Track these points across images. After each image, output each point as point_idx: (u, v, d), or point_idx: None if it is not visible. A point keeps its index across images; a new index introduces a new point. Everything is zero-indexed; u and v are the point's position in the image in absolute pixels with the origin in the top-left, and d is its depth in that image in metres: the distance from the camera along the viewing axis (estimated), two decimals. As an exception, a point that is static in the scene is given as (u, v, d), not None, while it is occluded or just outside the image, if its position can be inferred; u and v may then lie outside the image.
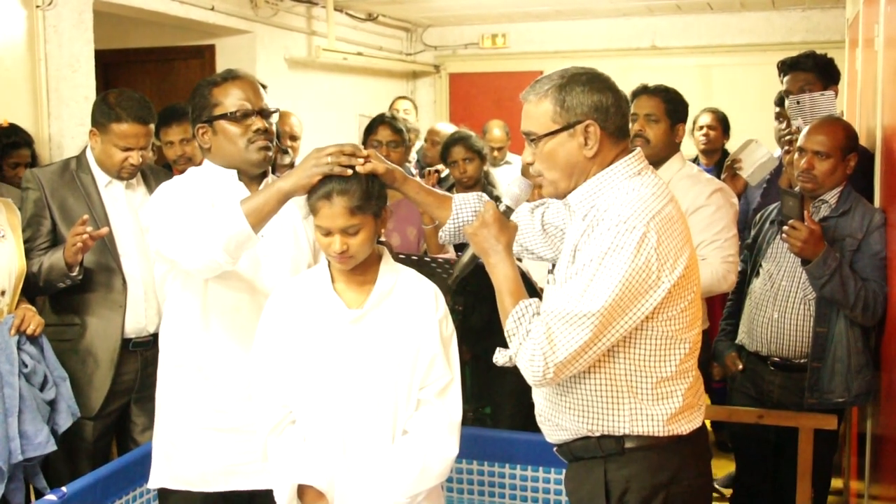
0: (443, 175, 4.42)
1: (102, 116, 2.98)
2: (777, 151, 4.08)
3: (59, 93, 4.14)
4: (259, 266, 2.34)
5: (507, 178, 3.94)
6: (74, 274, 2.89)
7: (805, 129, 3.04)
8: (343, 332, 2.06)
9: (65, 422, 2.82)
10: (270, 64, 5.92)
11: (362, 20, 7.02)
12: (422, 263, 3.13)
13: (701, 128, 5.04)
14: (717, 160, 4.93)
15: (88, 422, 3.02)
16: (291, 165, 3.89)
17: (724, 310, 3.39)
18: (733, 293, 3.28)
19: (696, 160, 4.91)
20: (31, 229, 2.98)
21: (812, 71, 3.59)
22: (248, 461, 2.30)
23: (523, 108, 1.98)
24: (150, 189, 3.08)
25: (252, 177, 2.37)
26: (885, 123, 3.07)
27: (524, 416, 2.96)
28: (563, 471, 2.18)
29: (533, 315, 1.87)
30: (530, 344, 1.84)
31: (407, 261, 2.88)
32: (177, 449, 2.37)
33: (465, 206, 2.26)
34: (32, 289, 2.94)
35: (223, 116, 2.30)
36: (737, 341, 3.21)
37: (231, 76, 2.35)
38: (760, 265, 3.12)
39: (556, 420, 2.02)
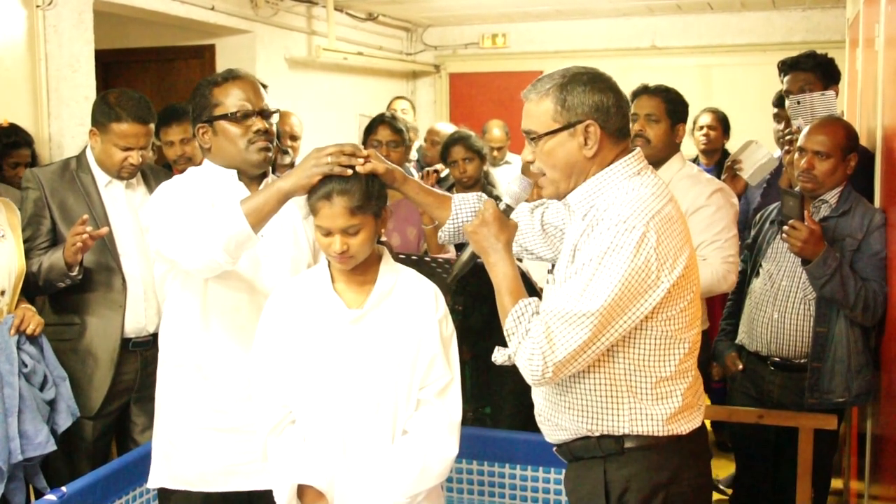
0: (442, 175, 4.42)
1: (102, 116, 2.98)
2: (777, 152, 4.08)
3: (59, 93, 4.14)
4: (259, 266, 2.34)
5: (506, 177, 3.94)
6: (74, 274, 2.89)
7: (805, 129, 3.04)
8: (343, 332, 2.06)
9: (64, 422, 2.82)
10: (270, 64, 5.92)
11: (362, 20, 7.02)
12: (421, 263, 3.13)
13: (701, 128, 5.04)
14: (718, 160, 4.93)
15: (88, 421, 3.02)
16: (292, 165, 3.89)
17: (724, 310, 3.39)
18: (733, 293, 3.28)
19: (696, 160, 4.91)
20: (31, 229, 2.98)
21: (812, 71, 3.59)
22: (248, 461, 2.30)
23: (524, 107, 1.98)
24: (150, 189, 3.08)
25: (252, 177, 2.37)
26: (885, 123, 3.07)
27: (524, 416, 2.96)
28: (563, 471, 2.17)
29: (532, 314, 1.87)
30: (529, 343, 1.84)
31: (407, 261, 2.88)
32: (176, 449, 2.37)
33: (464, 206, 2.26)
34: (32, 288, 2.94)
35: (223, 117, 2.30)
36: (737, 341, 3.21)
37: (232, 76, 2.34)
38: (760, 265, 3.12)
39: (556, 420, 2.02)
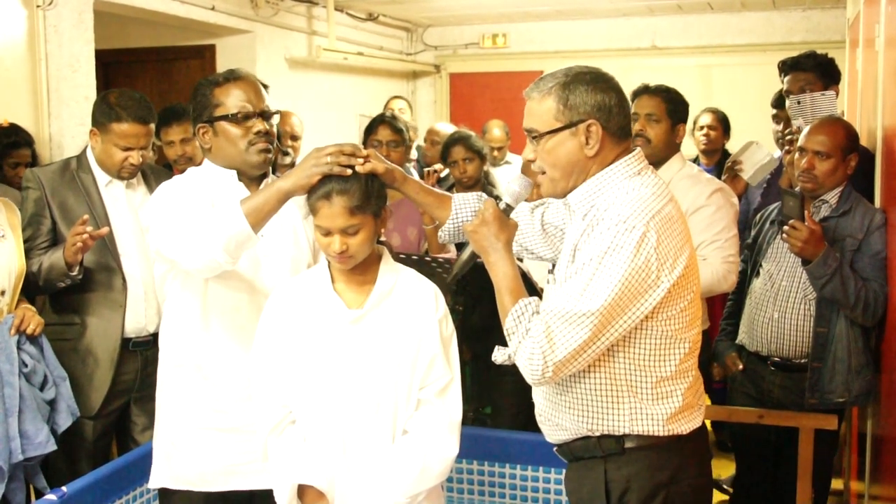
0: (442, 175, 4.42)
1: (103, 116, 2.98)
2: (777, 153, 4.08)
3: (60, 92, 4.14)
4: (259, 266, 2.34)
5: (507, 177, 3.94)
6: (74, 273, 2.89)
7: (805, 130, 3.04)
8: (343, 332, 2.06)
9: (65, 421, 2.82)
10: (271, 64, 5.92)
11: (363, 20, 7.02)
12: (422, 263, 3.13)
13: (701, 128, 5.04)
14: (718, 160, 4.93)
15: (88, 421, 3.02)
16: (292, 165, 3.89)
17: (724, 310, 3.38)
18: (733, 293, 3.28)
19: (696, 160, 4.91)
20: (31, 229, 2.98)
21: (813, 71, 3.58)
22: (248, 461, 2.30)
23: (526, 105, 1.97)
24: (151, 189, 3.08)
25: (252, 177, 2.37)
26: (885, 123, 3.07)
27: (524, 416, 2.97)
28: (563, 471, 2.17)
29: (532, 314, 1.87)
30: (529, 342, 1.84)
31: (407, 260, 2.88)
32: (177, 449, 2.37)
33: (464, 206, 2.25)
34: (32, 288, 2.94)
35: (224, 117, 2.30)
36: (737, 341, 3.21)
37: (233, 76, 2.34)
38: (761, 265, 3.12)
39: (556, 420, 2.02)
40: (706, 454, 2.09)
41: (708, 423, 2.43)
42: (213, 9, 5.29)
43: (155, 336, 2.73)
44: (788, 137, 3.43)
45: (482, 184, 4.04)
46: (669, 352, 1.91)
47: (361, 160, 2.04)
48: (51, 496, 2.38)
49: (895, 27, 2.86)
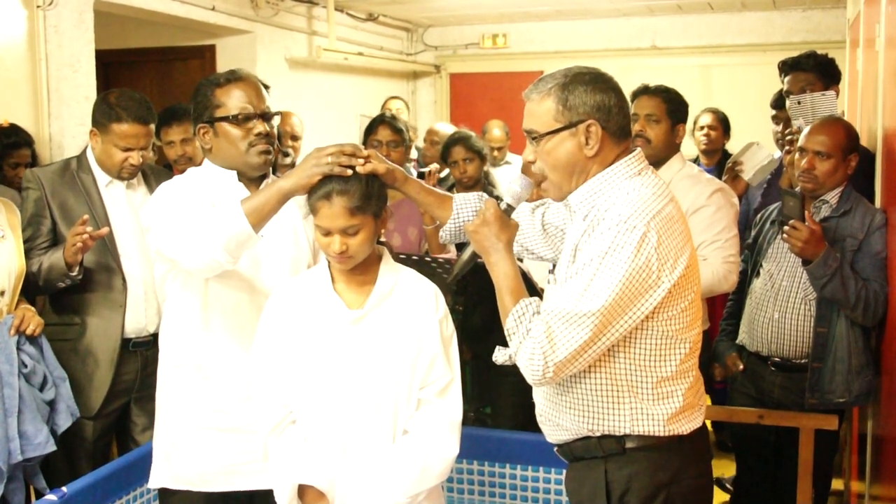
0: (442, 175, 4.42)
1: (103, 116, 2.98)
2: (777, 153, 4.08)
3: (60, 93, 4.14)
4: (259, 266, 2.33)
5: (507, 178, 3.94)
6: (74, 274, 2.89)
7: (806, 130, 3.04)
8: (343, 332, 2.06)
9: (64, 422, 2.82)
10: (271, 64, 5.92)
11: (363, 20, 7.02)
12: (422, 263, 3.13)
13: (702, 128, 5.04)
14: (718, 160, 4.93)
15: (88, 422, 3.02)
16: (292, 166, 3.89)
17: (724, 310, 3.38)
18: (734, 293, 3.28)
19: (696, 160, 4.91)
20: (32, 229, 2.97)
21: (813, 71, 3.58)
22: (248, 461, 2.30)
23: (526, 106, 1.97)
24: (151, 189, 3.08)
25: (252, 178, 2.37)
26: (885, 124, 3.06)
27: (524, 416, 2.96)
28: (564, 471, 2.17)
29: (533, 314, 1.87)
30: (530, 343, 1.84)
31: (407, 261, 2.88)
32: (177, 449, 2.37)
33: (465, 206, 2.25)
34: (32, 288, 2.94)
35: (225, 118, 2.30)
36: (737, 341, 3.20)
37: (234, 77, 2.34)
38: (761, 265, 3.12)
39: (557, 420, 2.01)
40: (707, 454, 2.09)
41: (708, 423, 2.43)
42: (213, 9, 5.29)
43: (155, 336, 2.73)
44: (789, 138, 3.44)
45: (482, 184, 4.04)
46: (670, 352, 1.91)
47: (362, 160, 2.04)
48: (51, 496, 2.38)
49: (895, 27, 2.86)
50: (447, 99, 8.13)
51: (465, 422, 2.14)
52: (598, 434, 1.95)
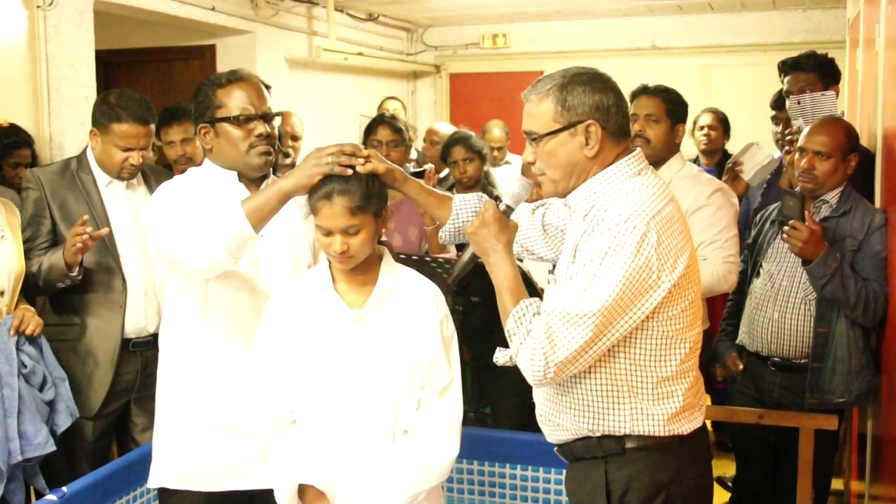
0: (442, 175, 4.42)
1: (103, 116, 2.98)
2: (777, 153, 4.08)
3: (60, 93, 4.14)
4: (259, 266, 2.33)
5: (507, 178, 3.95)
6: (74, 274, 2.89)
7: (806, 130, 3.04)
8: (344, 332, 2.06)
9: (64, 422, 2.82)
10: (271, 64, 5.92)
11: (363, 20, 7.02)
12: (422, 263, 3.13)
13: (702, 128, 5.04)
14: (718, 160, 4.93)
15: (88, 422, 3.02)
16: (293, 166, 3.89)
17: (724, 310, 3.38)
18: (734, 293, 3.28)
19: (696, 160, 4.91)
20: (31, 229, 2.97)
21: (813, 71, 3.59)
22: (248, 461, 2.30)
23: (525, 108, 1.97)
24: (151, 189, 3.08)
25: (252, 178, 2.37)
26: (885, 124, 3.06)
27: (524, 416, 2.96)
28: (563, 471, 2.17)
29: (533, 315, 1.87)
30: (531, 343, 1.84)
31: (407, 261, 2.88)
32: (177, 448, 2.37)
33: (465, 206, 2.25)
34: (32, 289, 2.94)
35: (226, 119, 2.30)
36: (737, 341, 3.20)
37: (235, 77, 2.33)
38: (761, 265, 3.12)
39: (557, 420, 2.01)
40: (707, 454, 2.09)
41: (708, 423, 2.43)
42: (213, 9, 5.29)
43: (155, 336, 2.73)
44: (789, 138, 3.44)
45: (482, 184, 4.04)
46: (670, 352, 1.91)
47: (362, 160, 2.04)
48: (51, 496, 2.38)
49: (895, 27, 2.86)
50: (447, 99, 8.13)
51: (465, 422, 2.14)
52: (598, 434, 1.95)
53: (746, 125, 5.46)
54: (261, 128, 2.31)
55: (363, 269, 2.08)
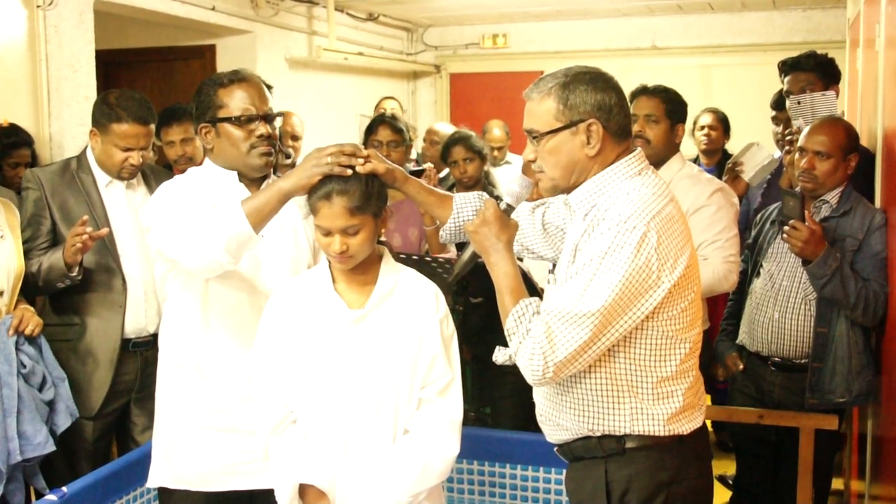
0: (442, 175, 4.42)
1: (103, 116, 2.98)
2: (777, 153, 4.08)
3: (60, 93, 4.14)
4: (259, 266, 2.33)
5: (507, 177, 3.94)
6: (74, 274, 2.88)
7: (806, 130, 3.04)
8: (344, 332, 2.06)
9: (63, 422, 2.82)
10: (271, 64, 5.92)
11: (363, 20, 7.02)
12: (422, 263, 3.13)
13: (702, 128, 5.04)
14: (718, 160, 4.93)
15: (88, 422, 3.02)
16: (293, 166, 3.89)
17: (724, 310, 3.38)
18: (734, 293, 3.28)
19: (696, 160, 4.91)
20: (31, 229, 2.97)
21: (813, 71, 3.58)
22: (248, 461, 2.30)
23: (526, 106, 1.97)
24: (151, 189, 3.08)
25: (252, 178, 2.37)
26: (885, 124, 3.06)
27: (524, 416, 2.96)
28: (564, 471, 2.17)
29: (533, 314, 1.87)
30: (530, 343, 1.84)
31: (407, 260, 2.88)
32: (176, 448, 2.37)
33: (465, 206, 2.25)
34: (32, 289, 2.94)
35: (227, 119, 2.30)
36: (737, 341, 3.21)
37: (237, 77, 2.33)
38: (761, 265, 3.12)
39: (557, 420, 2.01)
40: (707, 454, 2.09)
41: (708, 423, 2.43)
42: (213, 9, 5.29)
43: (155, 336, 2.73)
44: (789, 138, 3.44)
45: (482, 184, 4.04)
46: (670, 352, 1.91)
47: (362, 160, 2.03)
48: (51, 496, 2.38)
49: (895, 27, 2.86)
50: (447, 99, 8.13)
51: (465, 422, 2.14)
52: (598, 434, 1.95)
53: (746, 125, 5.46)
54: (262, 128, 2.30)
55: (363, 269, 2.08)
